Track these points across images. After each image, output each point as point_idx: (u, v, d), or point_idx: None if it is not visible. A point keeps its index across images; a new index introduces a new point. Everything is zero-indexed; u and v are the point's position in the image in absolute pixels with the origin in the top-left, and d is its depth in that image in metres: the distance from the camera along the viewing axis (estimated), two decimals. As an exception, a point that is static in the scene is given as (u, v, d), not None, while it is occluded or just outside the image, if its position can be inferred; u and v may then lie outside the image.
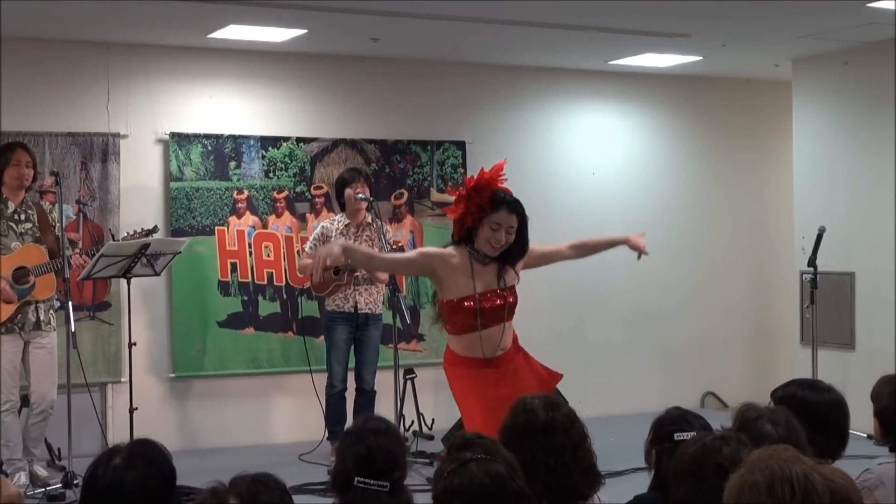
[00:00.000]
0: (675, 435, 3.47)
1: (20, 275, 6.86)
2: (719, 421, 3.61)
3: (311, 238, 7.91)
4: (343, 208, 7.82)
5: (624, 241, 5.69)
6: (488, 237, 5.13)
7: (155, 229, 7.22)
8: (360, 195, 7.61)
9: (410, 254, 5.34)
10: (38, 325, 6.94)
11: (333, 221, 7.85)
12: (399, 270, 7.11)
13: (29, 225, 6.99)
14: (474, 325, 5.12)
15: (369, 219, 7.79)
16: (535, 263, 5.51)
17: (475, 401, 5.09)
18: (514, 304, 5.27)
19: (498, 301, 5.17)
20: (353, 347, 7.87)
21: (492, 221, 5.13)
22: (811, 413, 3.59)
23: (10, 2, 6.81)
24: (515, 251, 5.23)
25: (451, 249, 5.21)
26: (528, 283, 9.45)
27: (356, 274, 7.72)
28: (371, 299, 7.81)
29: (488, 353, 5.16)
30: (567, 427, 3.45)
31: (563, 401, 3.59)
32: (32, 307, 6.92)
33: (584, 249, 5.77)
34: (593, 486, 3.46)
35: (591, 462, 3.47)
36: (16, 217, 6.97)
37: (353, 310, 7.76)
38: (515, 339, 5.37)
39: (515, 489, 2.90)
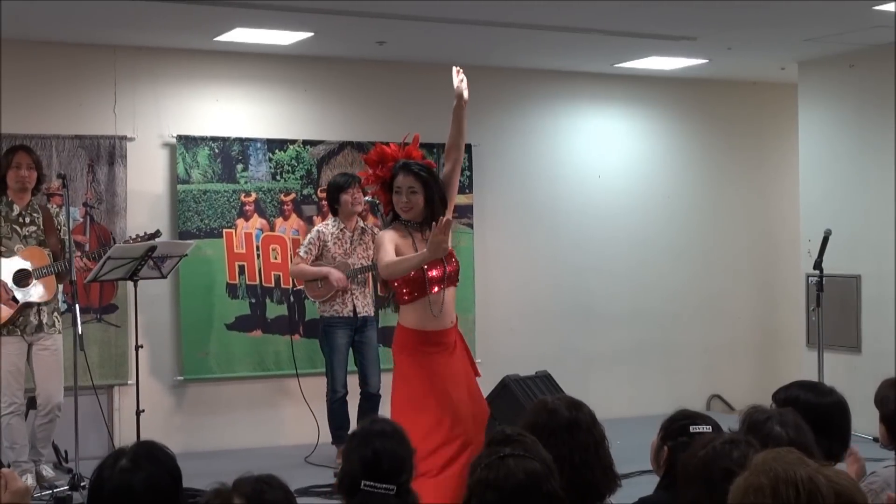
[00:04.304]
0: (691, 427, 3.48)
1: (21, 277, 6.87)
2: (725, 424, 3.61)
3: (305, 242, 7.91)
4: (336, 213, 7.82)
5: (457, 96, 5.40)
6: (396, 204, 5.29)
7: (157, 233, 7.21)
8: (371, 198, 7.50)
9: (389, 254, 5.21)
10: (39, 328, 6.92)
11: (328, 226, 7.85)
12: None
13: (33, 228, 6.99)
14: (424, 290, 5.22)
15: (362, 224, 7.82)
16: (451, 199, 5.47)
17: (406, 397, 5.21)
18: (457, 268, 5.39)
19: (440, 266, 5.25)
20: (350, 351, 7.88)
21: (395, 188, 5.28)
22: (813, 415, 3.58)
23: (16, 4, 6.83)
24: (436, 211, 5.27)
25: (394, 228, 5.34)
26: (535, 286, 9.56)
27: (357, 277, 7.74)
28: (366, 301, 7.82)
29: (436, 320, 5.24)
30: (590, 425, 3.48)
31: (579, 401, 3.62)
32: (34, 309, 6.91)
33: (457, 144, 5.47)
34: (611, 486, 3.48)
35: (610, 462, 3.50)
36: (20, 220, 6.97)
37: (352, 314, 7.76)
38: (456, 323, 5.44)
39: (550, 490, 2.91)
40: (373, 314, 7.90)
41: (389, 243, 5.22)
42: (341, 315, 7.77)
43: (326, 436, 8.00)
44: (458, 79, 5.37)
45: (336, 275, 7.66)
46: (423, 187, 5.25)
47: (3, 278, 6.83)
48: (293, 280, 8.52)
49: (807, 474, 2.17)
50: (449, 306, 5.34)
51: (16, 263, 6.88)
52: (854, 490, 2.18)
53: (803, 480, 2.16)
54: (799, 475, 2.17)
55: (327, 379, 7.88)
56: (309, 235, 7.95)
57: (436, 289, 5.26)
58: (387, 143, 5.52)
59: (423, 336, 5.27)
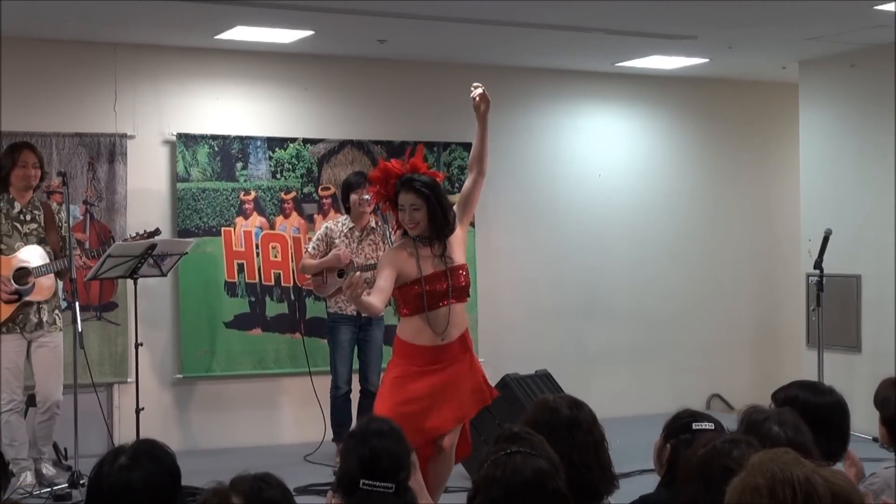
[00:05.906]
0: (694, 425, 3.48)
1: (21, 275, 6.87)
2: (725, 423, 3.62)
3: (314, 238, 7.93)
4: (348, 211, 7.83)
5: (476, 106, 5.47)
6: (401, 221, 5.28)
7: (157, 231, 7.21)
8: (367, 196, 7.55)
9: (385, 280, 5.20)
10: (39, 325, 6.92)
11: (338, 223, 7.86)
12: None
13: (34, 225, 6.99)
14: (421, 307, 5.23)
15: (373, 223, 7.82)
16: (469, 210, 5.48)
17: (390, 403, 5.19)
18: (463, 286, 5.34)
19: (442, 282, 5.26)
20: (355, 349, 7.88)
21: (399, 206, 5.27)
22: (813, 415, 3.58)
23: (17, 3, 6.83)
24: (441, 226, 5.27)
25: (401, 245, 5.34)
26: (536, 284, 9.55)
27: (363, 277, 7.73)
28: None
29: (437, 334, 5.25)
30: (590, 425, 3.49)
31: (580, 401, 3.62)
32: (34, 307, 6.91)
33: (476, 158, 5.53)
34: (609, 487, 3.48)
35: (609, 463, 3.50)
36: (21, 217, 6.97)
37: (355, 312, 7.76)
38: (466, 337, 5.43)
39: (555, 488, 2.91)
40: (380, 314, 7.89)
41: (388, 268, 5.24)
42: (344, 312, 7.78)
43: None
44: (475, 92, 5.39)
45: (340, 252, 7.66)
46: (425, 203, 5.23)
47: (4, 274, 6.83)
48: (294, 277, 8.53)
49: (803, 475, 2.16)
50: (455, 321, 5.34)
51: (33, 253, 6.87)
52: (851, 490, 2.18)
53: (800, 481, 2.16)
54: (795, 475, 2.16)
55: (331, 375, 7.89)
56: (318, 232, 7.97)
57: (442, 304, 5.28)
58: (393, 153, 5.55)
59: (416, 350, 5.28)
